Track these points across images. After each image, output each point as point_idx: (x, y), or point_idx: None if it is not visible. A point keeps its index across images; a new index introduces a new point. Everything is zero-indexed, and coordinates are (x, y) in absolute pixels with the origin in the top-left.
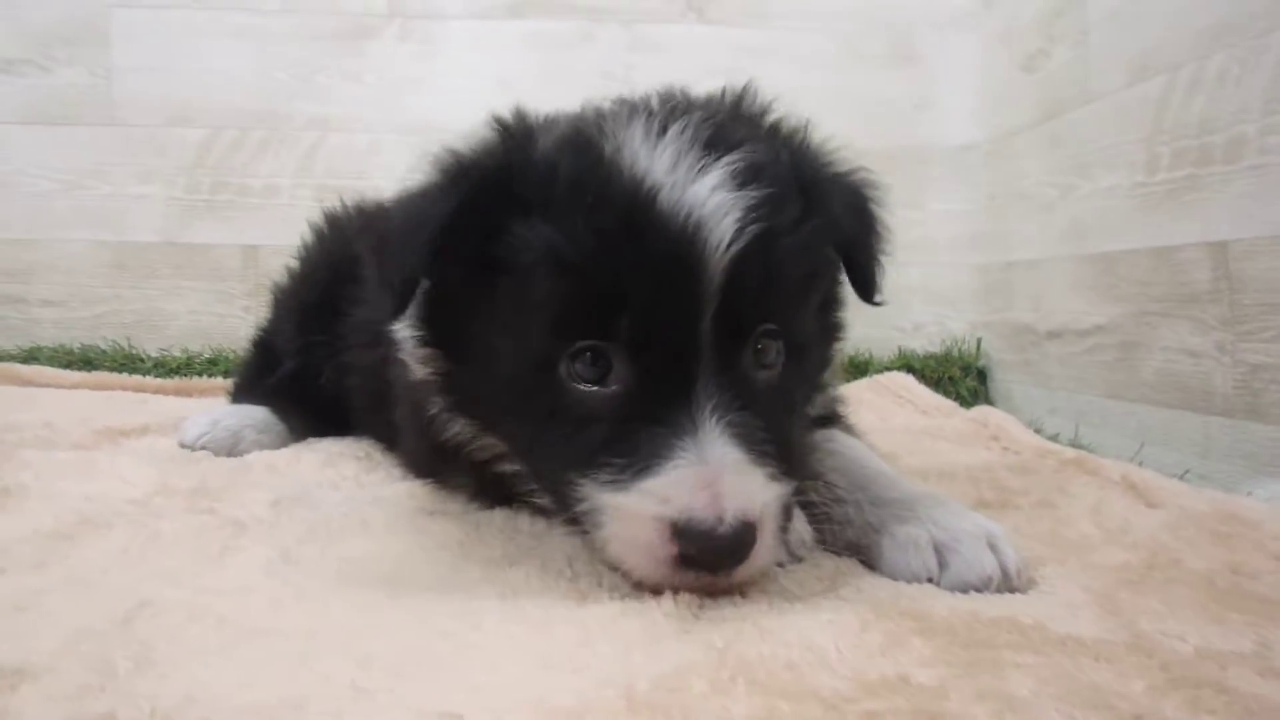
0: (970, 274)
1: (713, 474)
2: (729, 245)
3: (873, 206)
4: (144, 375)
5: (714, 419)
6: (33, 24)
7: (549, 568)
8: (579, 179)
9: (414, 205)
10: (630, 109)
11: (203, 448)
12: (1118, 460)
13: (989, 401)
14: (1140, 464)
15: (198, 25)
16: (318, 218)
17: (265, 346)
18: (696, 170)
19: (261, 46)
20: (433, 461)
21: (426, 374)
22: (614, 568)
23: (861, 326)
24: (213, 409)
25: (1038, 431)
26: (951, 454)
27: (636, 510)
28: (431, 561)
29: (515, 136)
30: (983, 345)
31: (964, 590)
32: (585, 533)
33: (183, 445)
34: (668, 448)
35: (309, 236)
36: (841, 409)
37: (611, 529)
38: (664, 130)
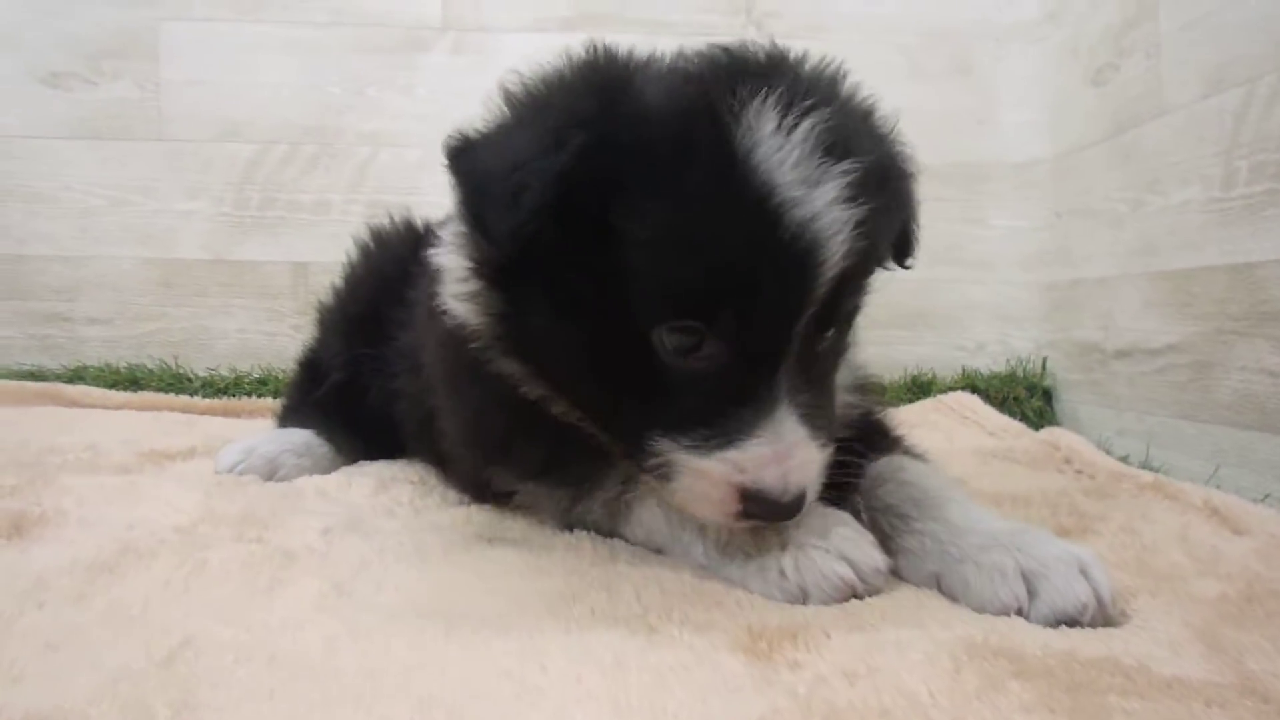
0: (1035, 292)
1: (784, 452)
2: (840, 260)
3: (911, 170)
4: (191, 395)
5: (788, 401)
6: (80, 37)
7: (617, 602)
8: (710, 169)
9: (519, 150)
10: (749, 85)
11: None
12: (1194, 484)
13: (1055, 422)
14: (1217, 487)
15: (247, 39)
16: (363, 233)
17: (311, 365)
18: (818, 180)
19: (312, 60)
20: (500, 434)
21: (482, 323)
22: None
23: (925, 346)
24: (250, 436)
25: (1107, 453)
26: (1024, 478)
27: (715, 474)
28: (492, 594)
29: (614, 89)
30: (1048, 365)
31: (1055, 622)
32: (655, 478)
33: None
34: (749, 426)
35: (354, 253)
36: (902, 431)
37: (686, 483)
38: (794, 128)
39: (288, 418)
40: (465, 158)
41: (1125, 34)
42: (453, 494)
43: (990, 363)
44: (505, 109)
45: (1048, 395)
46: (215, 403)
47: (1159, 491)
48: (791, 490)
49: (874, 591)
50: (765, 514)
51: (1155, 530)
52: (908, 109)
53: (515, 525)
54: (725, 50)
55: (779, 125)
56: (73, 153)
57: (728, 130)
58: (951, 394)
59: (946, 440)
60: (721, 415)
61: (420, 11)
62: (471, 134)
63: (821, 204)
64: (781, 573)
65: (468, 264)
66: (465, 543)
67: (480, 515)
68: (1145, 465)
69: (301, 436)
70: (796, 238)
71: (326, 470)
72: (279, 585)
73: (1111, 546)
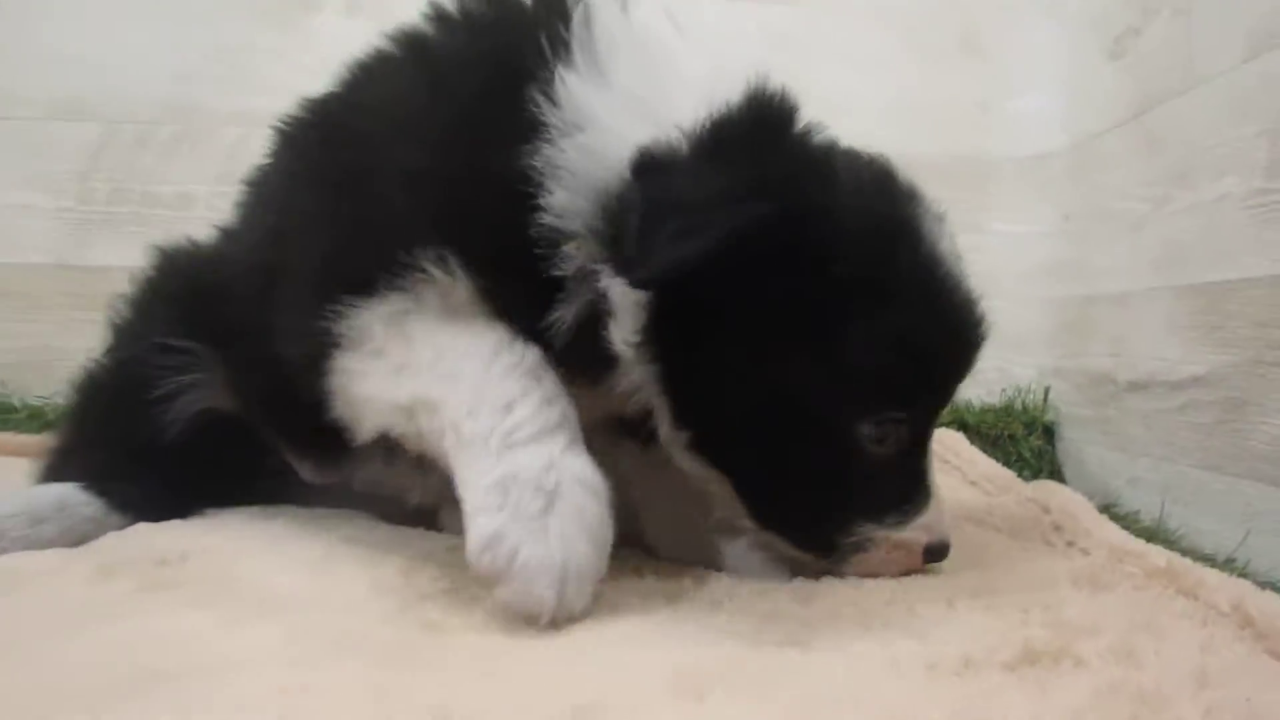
0: (1041, 310)
1: (941, 506)
2: None
3: None
4: (12, 430)
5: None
6: None
7: None
8: (918, 267)
9: (698, 192)
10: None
11: None
12: (1220, 572)
13: (1056, 466)
14: (1246, 565)
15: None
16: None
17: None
18: (965, 270)
19: (173, 24)
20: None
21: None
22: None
23: None
24: None
25: (1112, 509)
26: (999, 555)
27: (911, 540)
28: None
29: (815, 166)
30: (1052, 396)
31: None
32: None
33: None
34: (925, 493)
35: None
36: None
37: (880, 555)
38: (943, 223)
39: (55, 468)
40: (654, 180)
41: None
42: (190, 586)
43: (984, 393)
44: (685, 143)
45: (1049, 433)
46: (31, 440)
47: (1173, 583)
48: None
49: None
50: (940, 555)
51: (1163, 655)
52: (904, 94)
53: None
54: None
55: (939, 219)
56: None
57: (913, 233)
58: (936, 432)
59: None
60: (909, 491)
61: None
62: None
63: (972, 286)
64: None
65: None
66: (144, 678)
67: (213, 632)
68: (1159, 526)
69: (54, 494)
70: (980, 326)
71: (88, 536)
72: None
73: (1095, 687)
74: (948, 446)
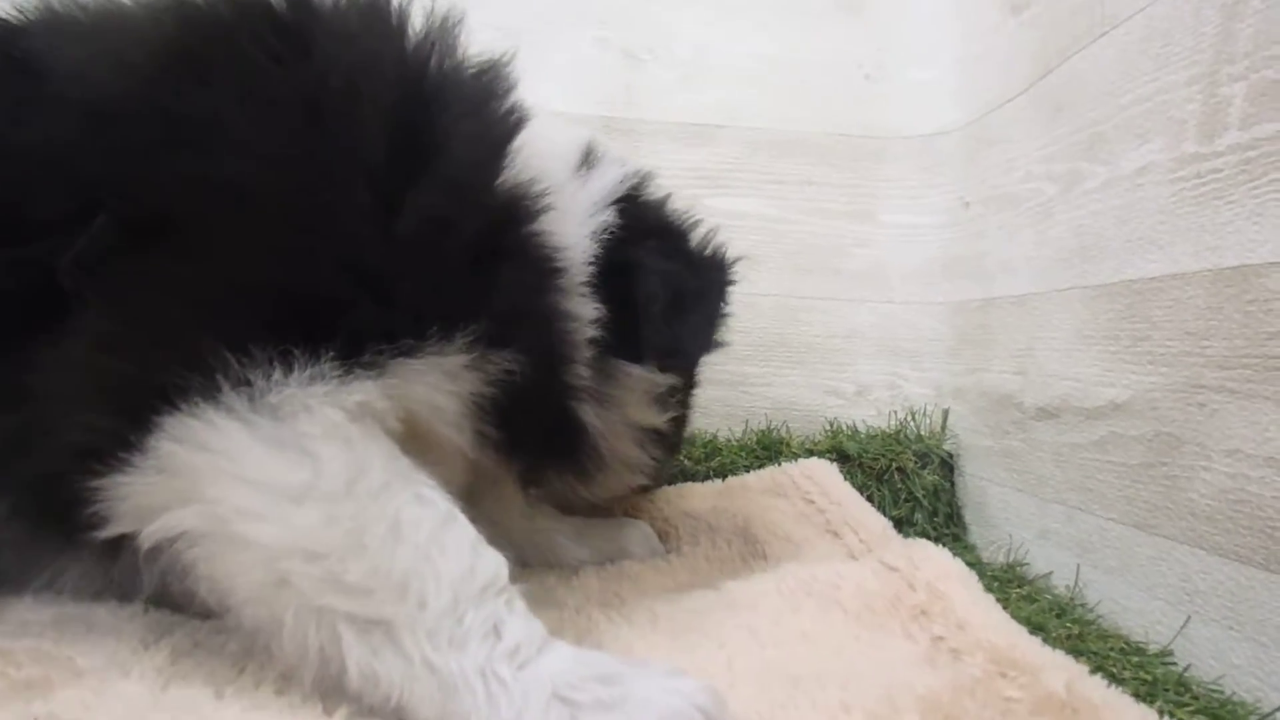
0: (938, 315)
1: None
2: None
3: None
4: None
5: None
6: None
7: None
8: None
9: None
10: None
11: None
12: (1151, 655)
13: (956, 508)
14: (1187, 667)
15: None
16: None
17: None
18: None
19: None
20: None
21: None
22: None
23: (784, 388)
24: None
25: (1019, 568)
26: (836, 658)
27: None
28: None
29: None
30: (951, 421)
31: None
32: None
33: None
34: None
35: None
36: None
37: None
38: None
39: None
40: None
41: None
42: None
43: (874, 414)
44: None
45: (948, 466)
46: None
47: None
48: None
49: None
50: None
51: None
52: (774, 58)
53: None
54: None
55: None
56: None
57: None
58: (803, 462)
59: (759, 552)
60: None
61: None
62: None
63: None
64: None
65: None
66: None
67: None
68: (1075, 595)
69: None
70: None
71: None
72: None
73: None
74: (817, 482)
